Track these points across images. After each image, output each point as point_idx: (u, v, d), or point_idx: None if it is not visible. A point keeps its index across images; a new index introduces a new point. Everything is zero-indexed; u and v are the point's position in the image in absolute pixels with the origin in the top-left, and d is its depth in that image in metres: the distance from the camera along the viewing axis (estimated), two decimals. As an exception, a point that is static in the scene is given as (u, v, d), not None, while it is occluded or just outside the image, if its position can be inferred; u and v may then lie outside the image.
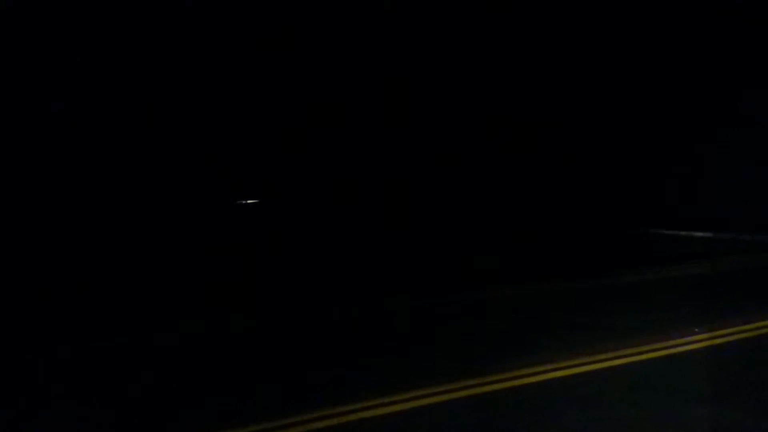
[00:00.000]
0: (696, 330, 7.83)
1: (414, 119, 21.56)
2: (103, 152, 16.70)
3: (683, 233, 18.62)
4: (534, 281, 11.95)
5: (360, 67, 20.74)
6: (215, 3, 18.46)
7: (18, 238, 13.53)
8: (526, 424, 5.17)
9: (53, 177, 15.80)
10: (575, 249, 16.56)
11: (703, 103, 20.28)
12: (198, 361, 7.44)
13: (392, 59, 20.80)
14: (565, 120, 22.86)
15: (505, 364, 6.60)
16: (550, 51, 21.91)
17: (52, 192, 15.68)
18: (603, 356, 6.85)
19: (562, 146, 23.12)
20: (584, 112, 22.65)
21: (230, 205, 20.67)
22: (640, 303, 9.99)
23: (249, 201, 21.64)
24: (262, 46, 19.12)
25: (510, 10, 21.24)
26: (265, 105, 19.58)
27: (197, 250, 15.49)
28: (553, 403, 5.63)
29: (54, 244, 13.83)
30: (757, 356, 6.97)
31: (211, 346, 8.10)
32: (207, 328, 8.99)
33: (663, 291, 10.97)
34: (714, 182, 20.08)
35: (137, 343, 8.23)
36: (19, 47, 15.64)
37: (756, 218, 18.28)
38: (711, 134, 20.17)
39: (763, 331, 7.90)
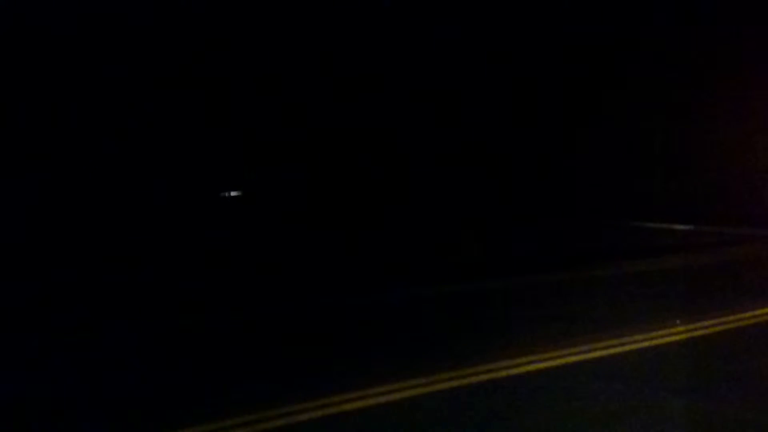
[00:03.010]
0: (676, 322, 7.89)
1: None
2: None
3: (664, 226, 18.74)
4: (514, 273, 11.99)
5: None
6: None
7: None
8: (506, 416, 5.20)
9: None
10: (555, 241, 16.64)
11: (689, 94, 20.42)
12: (188, 353, 7.44)
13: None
14: (541, 110, 23.01)
15: (485, 355, 6.62)
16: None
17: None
18: (583, 348, 6.89)
19: (537, 138, 23.25)
20: (560, 102, 22.78)
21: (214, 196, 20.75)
22: (620, 295, 10.06)
23: (232, 193, 21.64)
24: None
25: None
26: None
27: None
28: (532, 394, 5.66)
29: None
30: (736, 348, 7.03)
31: (198, 340, 8.10)
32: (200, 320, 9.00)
33: (643, 283, 11.04)
34: (694, 175, 20.22)
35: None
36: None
37: (738, 212, 18.45)
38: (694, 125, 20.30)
39: (742, 323, 7.98)
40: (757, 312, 8.41)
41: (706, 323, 7.86)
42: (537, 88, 22.69)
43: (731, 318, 8.12)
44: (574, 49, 21.88)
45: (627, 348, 6.94)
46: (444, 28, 21.16)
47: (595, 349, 6.86)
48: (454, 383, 5.92)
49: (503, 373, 6.17)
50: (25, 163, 16.23)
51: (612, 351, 6.83)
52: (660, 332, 7.48)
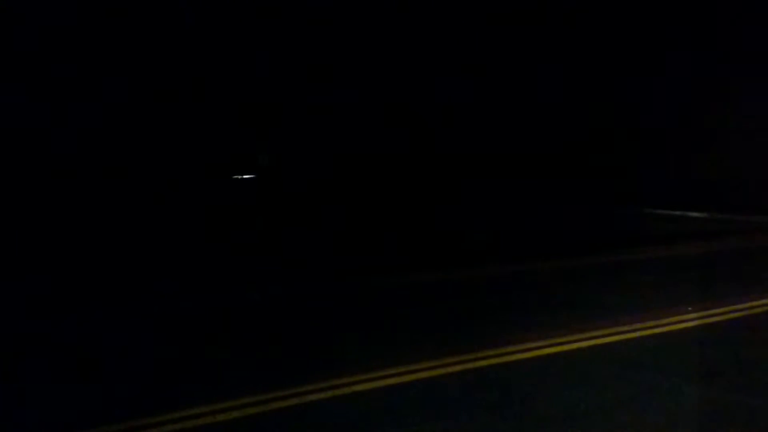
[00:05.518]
0: (688, 309, 7.88)
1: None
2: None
3: (678, 213, 18.66)
4: (530, 259, 11.99)
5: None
6: None
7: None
8: (518, 400, 5.22)
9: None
10: (570, 228, 16.61)
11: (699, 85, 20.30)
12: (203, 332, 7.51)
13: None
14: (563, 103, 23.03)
15: (498, 340, 6.65)
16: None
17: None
18: (596, 333, 6.91)
19: (559, 127, 23.25)
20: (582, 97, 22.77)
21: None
22: (633, 281, 10.05)
23: (245, 176, 21.78)
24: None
25: None
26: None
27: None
28: (545, 379, 5.68)
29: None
30: (748, 336, 7.03)
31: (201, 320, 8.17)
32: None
33: (657, 270, 11.02)
34: (711, 162, 20.10)
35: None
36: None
37: (752, 200, 18.35)
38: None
39: (755, 311, 7.96)
40: (769, 300, 8.40)
41: (717, 311, 7.86)
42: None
43: (743, 306, 8.10)
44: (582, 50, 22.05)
45: (639, 334, 6.95)
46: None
47: (609, 335, 6.87)
48: (468, 366, 5.95)
49: (516, 357, 6.19)
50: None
51: (624, 337, 6.84)
52: (672, 319, 7.48)
